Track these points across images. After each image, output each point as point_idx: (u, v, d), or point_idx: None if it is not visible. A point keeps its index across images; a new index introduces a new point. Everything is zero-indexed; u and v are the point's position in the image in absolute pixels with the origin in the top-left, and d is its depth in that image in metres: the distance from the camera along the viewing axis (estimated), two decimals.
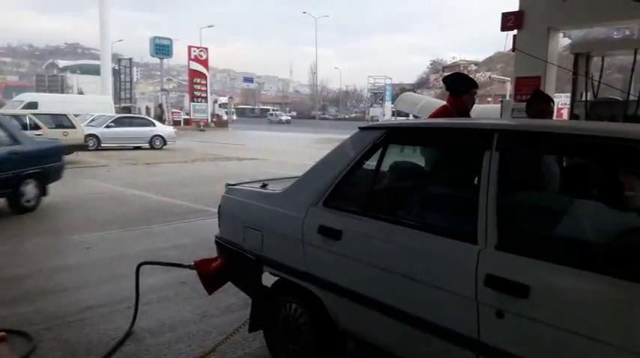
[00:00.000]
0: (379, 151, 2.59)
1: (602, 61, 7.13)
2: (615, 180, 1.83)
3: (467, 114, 3.88)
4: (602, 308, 1.70)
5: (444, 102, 4.10)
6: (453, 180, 2.59)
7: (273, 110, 70.42)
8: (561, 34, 8.56)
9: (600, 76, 7.28)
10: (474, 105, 4.07)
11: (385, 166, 2.62)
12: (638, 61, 6.39)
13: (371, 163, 2.63)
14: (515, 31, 7.78)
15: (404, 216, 2.48)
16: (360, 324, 2.54)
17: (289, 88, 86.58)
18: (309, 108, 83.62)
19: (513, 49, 7.90)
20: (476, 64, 73.64)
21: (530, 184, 2.31)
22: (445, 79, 4.10)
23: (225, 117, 43.83)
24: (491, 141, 2.09)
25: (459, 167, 2.58)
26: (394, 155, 2.82)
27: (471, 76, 4.86)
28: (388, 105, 41.84)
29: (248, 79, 69.58)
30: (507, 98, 8.22)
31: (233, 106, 51.97)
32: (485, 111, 30.19)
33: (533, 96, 3.94)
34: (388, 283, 2.32)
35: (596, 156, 2.03)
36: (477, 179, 2.13)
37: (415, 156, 3.02)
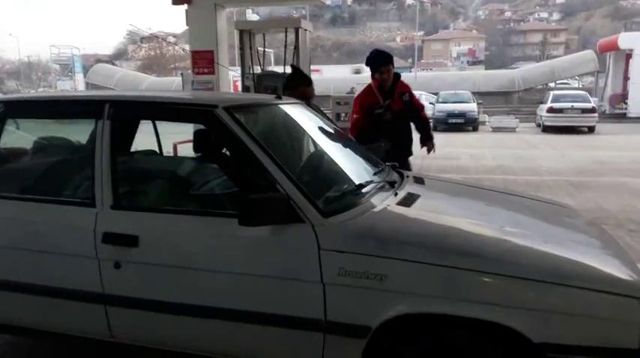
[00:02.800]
0: None
1: (264, 37, 8.10)
2: (204, 138, 2.20)
3: (390, 91, 4.04)
4: (195, 241, 2.09)
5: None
6: (74, 150, 2.68)
7: None
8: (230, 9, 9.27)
9: (264, 51, 8.28)
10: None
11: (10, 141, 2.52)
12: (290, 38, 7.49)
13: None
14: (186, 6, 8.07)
15: (30, 192, 2.45)
16: None
17: None
18: None
19: (187, 24, 8.20)
20: (174, 36, 73.21)
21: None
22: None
23: None
24: (102, 110, 2.26)
25: (80, 137, 2.66)
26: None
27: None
28: (80, 78, 38.19)
29: None
30: (189, 71, 8.53)
31: None
32: (166, 83, 30.59)
33: (294, 80, 3.86)
34: (20, 262, 2.29)
35: (182, 119, 2.39)
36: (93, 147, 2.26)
37: (64, 129, 2.95)
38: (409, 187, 2.52)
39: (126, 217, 2.17)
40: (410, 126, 4.26)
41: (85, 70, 38.84)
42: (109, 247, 2.12)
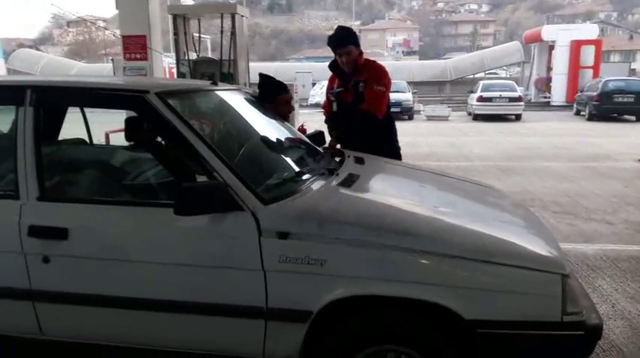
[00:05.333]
0: None
1: (199, 23, 7.89)
2: (135, 126, 2.12)
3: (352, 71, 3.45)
4: (129, 232, 2.03)
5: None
6: None
7: None
8: None
9: (200, 37, 8.06)
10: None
11: None
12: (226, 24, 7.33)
13: None
14: None
15: None
16: None
17: None
18: None
19: (117, 7, 7.84)
20: (104, 20, 69.74)
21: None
22: None
23: None
24: (24, 96, 2.13)
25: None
26: None
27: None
28: (1, 64, 35.67)
29: None
30: (120, 57, 8.18)
31: None
32: (96, 70, 29.40)
33: (270, 90, 3.17)
34: None
35: (111, 106, 2.30)
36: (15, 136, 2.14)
37: None
38: (350, 168, 2.55)
39: (54, 209, 2.07)
40: (372, 124, 3.44)
41: (7, 55, 36.34)
42: (36, 241, 2.02)
